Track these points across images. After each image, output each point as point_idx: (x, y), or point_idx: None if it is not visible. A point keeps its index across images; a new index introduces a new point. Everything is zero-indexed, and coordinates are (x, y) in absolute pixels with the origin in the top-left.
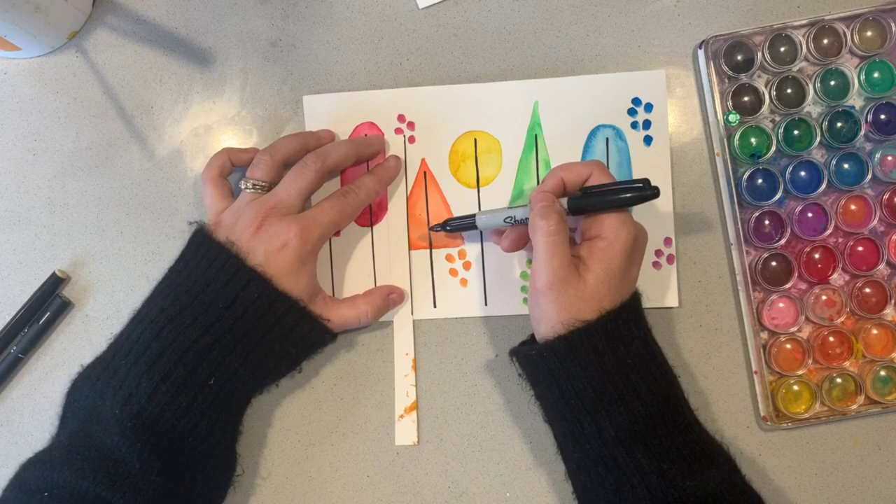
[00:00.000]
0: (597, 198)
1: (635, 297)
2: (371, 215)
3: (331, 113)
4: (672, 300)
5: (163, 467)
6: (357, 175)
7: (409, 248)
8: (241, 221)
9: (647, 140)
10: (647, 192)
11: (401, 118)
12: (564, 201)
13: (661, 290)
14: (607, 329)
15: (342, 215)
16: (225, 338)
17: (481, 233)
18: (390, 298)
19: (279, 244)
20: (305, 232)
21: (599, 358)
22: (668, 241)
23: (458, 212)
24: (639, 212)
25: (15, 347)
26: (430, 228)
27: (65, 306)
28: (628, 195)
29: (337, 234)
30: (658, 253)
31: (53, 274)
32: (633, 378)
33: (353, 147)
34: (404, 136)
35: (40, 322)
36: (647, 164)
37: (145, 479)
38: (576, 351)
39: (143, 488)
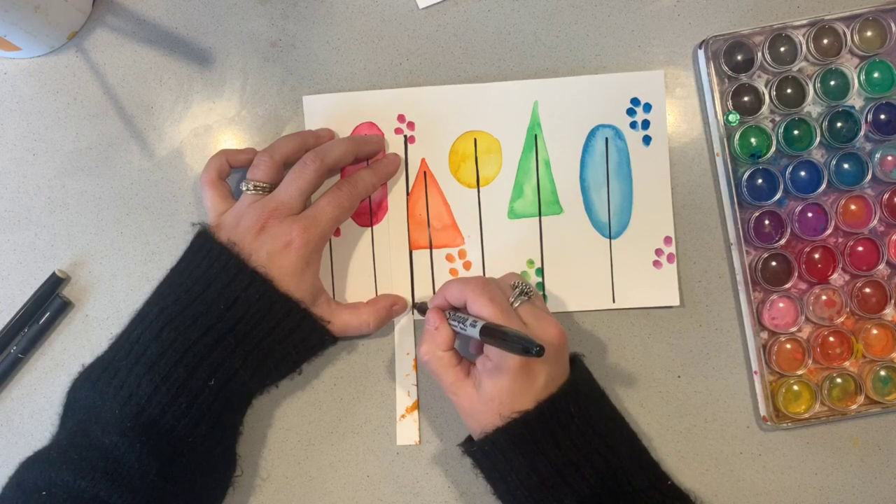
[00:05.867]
0: (492, 339)
1: (574, 376)
2: (371, 215)
3: (331, 113)
4: (673, 299)
5: (162, 467)
6: None
7: (410, 248)
8: (244, 223)
9: (646, 140)
10: (530, 351)
11: (401, 118)
12: (477, 327)
13: (661, 290)
14: (544, 416)
15: (340, 210)
16: (226, 339)
17: (482, 234)
18: (393, 310)
19: (282, 245)
20: (307, 231)
21: (539, 445)
22: (668, 239)
23: (457, 211)
24: (638, 212)
25: (15, 347)
26: (415, 306)
27: (65, 306)
28: (514, 347)
29: (337, 233)
30: (658, 252)
31: (53, 274)
32: (573, 459)
33: (353, 144)
34: (404, 135)
35: (40, 322)
36: (646, 164)
37: (144, 479)
38: (516, 440)
39: (142, 488)
